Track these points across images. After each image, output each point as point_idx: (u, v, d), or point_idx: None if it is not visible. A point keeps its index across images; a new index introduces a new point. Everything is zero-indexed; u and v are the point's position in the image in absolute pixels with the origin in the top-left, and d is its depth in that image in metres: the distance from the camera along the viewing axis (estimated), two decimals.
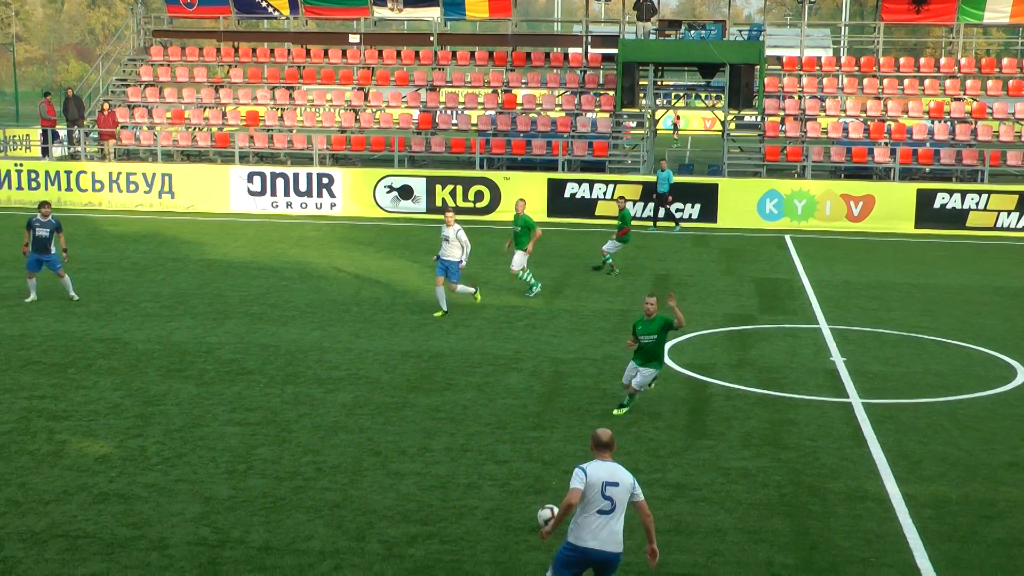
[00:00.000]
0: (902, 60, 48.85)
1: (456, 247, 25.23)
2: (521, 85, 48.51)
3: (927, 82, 47.17)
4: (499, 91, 47.61)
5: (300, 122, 46.66)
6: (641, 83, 45.02)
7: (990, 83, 46.98)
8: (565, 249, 34.87)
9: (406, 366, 21.25)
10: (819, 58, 50.76)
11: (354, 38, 50.39)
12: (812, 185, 40.29)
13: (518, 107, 46.84)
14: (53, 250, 26.32)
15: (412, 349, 22.50)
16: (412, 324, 24.68)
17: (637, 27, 45.89)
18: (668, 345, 23.06)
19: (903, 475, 15.99)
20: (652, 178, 39.68)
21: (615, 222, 32.03)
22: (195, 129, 46.69)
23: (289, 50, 51.35)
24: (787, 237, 38.03)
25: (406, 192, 41.18)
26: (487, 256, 32.48)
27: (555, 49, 51.05)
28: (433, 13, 50.78)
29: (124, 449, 16.48)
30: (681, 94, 52.80)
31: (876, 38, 52.06)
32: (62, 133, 47.34)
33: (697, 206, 40.39)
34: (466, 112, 46.89)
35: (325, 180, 41.56)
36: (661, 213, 39.31)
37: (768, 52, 47.32)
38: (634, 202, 39.33)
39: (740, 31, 46.87)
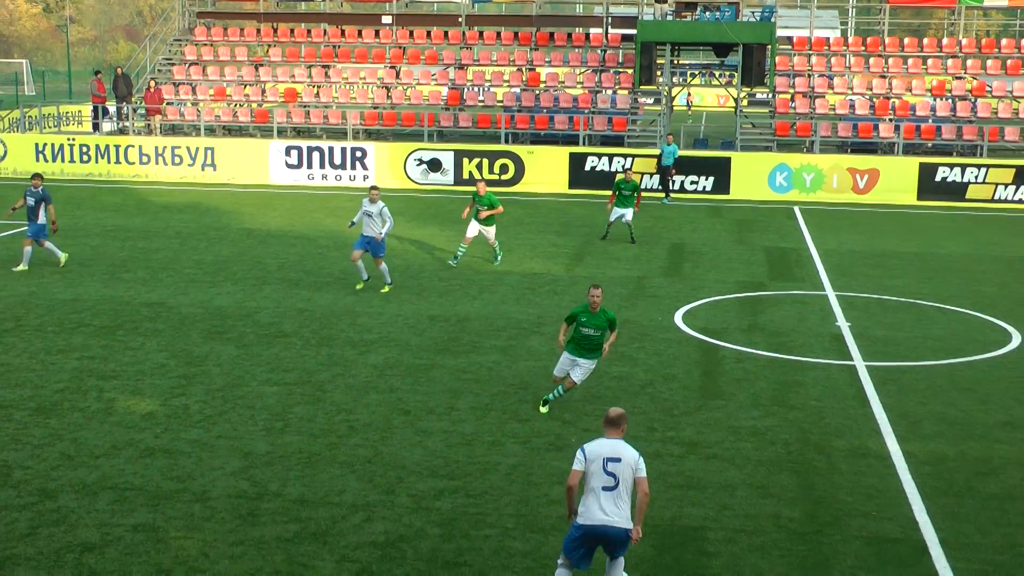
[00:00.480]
0: (906, 40, 48.47)
1: (379, 223, 23.89)
2: (544, 64, 48.37)
3: (930, 61, 46.82)
4: (523, 69, 47.41)
5: (335, 99, 46.55)
6: (658, 62, 44.82)
7: (989, 63, 46.61)
8: (586, 219, 34.77)
9: (434, 330, 21.25)
10: (828, 38, 50.39)
11: (387, 19, 50.28)
12: (820, 159, 40.04)
13: (541, 84, 46.68)
14: (41, 220, 26.03)
15: (440, 313, 22.49)
16: (440, 290, 24.66)
17: (655, 8, 45.63)
18: (682, 310, 23.10)
19: (903, 434, 15.95)
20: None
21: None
22: (236, 105, 46.63)
23: (325, 30, 51.18)
24: (796, 208, 37.84)
25: (435, 165, 41.08)
26: (512, 225, 32.42)
27: (577, 30, 50.82)
28: None
29: (169, 407, 16.54)
30: (696, 72, 52.53)
31: (882, 19, 51.74)
32: (111, 109, 47.35)
33: (711, 179, 40.19)
34: (492, 89, 46.75)
35: (358, 154, 41.49)
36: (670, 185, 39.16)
37: (779, 32, 47.03)
38: (642, 175, 39.28)
39: (753, 12, 46.46)
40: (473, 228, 26.98)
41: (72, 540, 12.14)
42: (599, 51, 48.18)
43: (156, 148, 42.13)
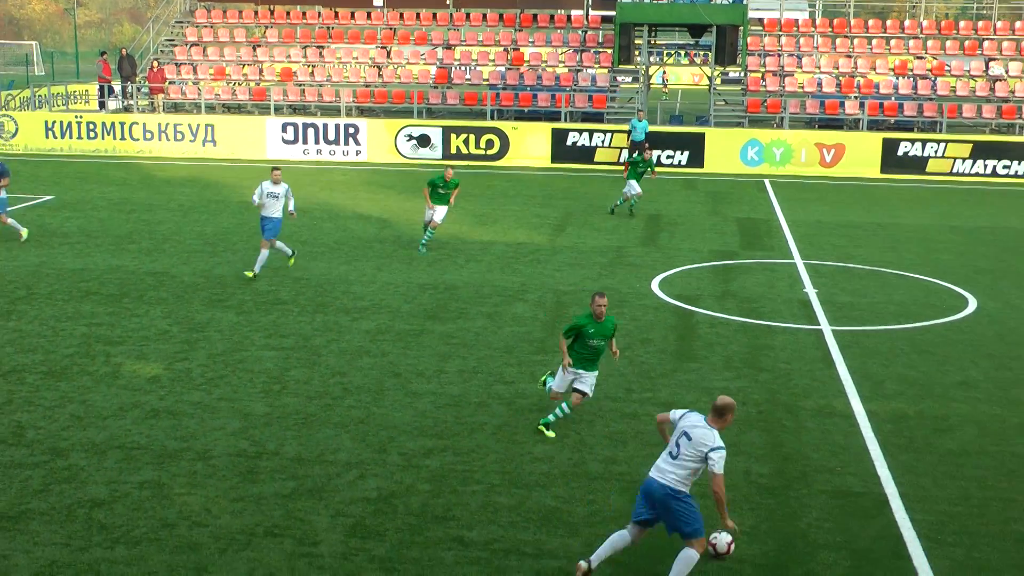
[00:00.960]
0: (871, 22, 48.35)
1: (281, 204, 22.36)
2: (528, 44, 48.23)
3: (893, 42, 46.76)
4: (508, 49, 47.24)
5: (329, 78, 46.33)
6: (636, 42, 44.73)
7: (948, 43, 46.57)
8: (567, 191, 34.74)
9: (423, 297, 21.23)
10: (797, 20, 50.24)
11: (378, 2, 50.06)
12: (789, 135, 40.01)
13: (525, 64, 46.54)
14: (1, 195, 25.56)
15: (429, 282, 22.47)
16: (429, 259, 24.62)
17: None
18: (659, 278, 23.12)
19: (867, 394, 16.00)
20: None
21: (619, 167, 32.13)
22: (235, 84, 46.44)
23: (319, 13, 50.95)
24: (766, 181, 37.82)
25: (424, 140, 40.95)
26: (497, 198, 32.38)
27: (559, 11, 50.56)
28: None
29: (172, 371, 16.52)
30: (672, 52, 52.35)
31: (848, 1, 51.66)
32: (117, 88, 47.12)
33: (686, 153, 40.13)
34: (478, 68, 46.61)
35: (351, 130, 41.34)
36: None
37: (751, 14, 46.96)
38: (621, 150, 39.15)
39: None
40: (441, 212, 25.27)
41: (82, 496, 12.14)
42: (580, 32, 48.06)
43: (159, 125, 41.91)
